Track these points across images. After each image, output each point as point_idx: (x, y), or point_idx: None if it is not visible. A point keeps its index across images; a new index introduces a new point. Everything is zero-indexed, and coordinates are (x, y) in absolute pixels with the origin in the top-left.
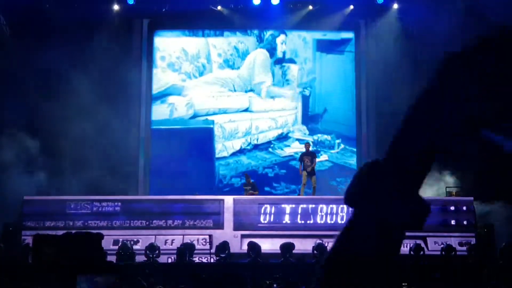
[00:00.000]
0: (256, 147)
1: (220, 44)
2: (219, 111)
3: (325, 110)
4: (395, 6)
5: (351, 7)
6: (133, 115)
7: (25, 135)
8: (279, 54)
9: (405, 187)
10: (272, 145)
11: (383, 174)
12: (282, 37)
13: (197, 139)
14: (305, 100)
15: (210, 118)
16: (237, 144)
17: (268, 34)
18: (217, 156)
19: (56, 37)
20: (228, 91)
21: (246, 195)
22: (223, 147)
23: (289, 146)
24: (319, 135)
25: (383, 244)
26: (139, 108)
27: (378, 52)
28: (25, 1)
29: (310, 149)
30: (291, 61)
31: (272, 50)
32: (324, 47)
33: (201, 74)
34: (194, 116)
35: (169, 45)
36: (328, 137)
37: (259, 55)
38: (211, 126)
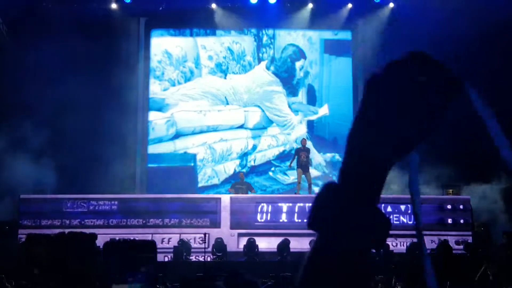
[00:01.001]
0: (253, 169)
1: (211, 45)
2: (208, 128)
3: (335, 139)
4: (391, 4)
5: (349, 5)
6: (130, 116)
7: (22, 134)
8: (294, 81)
9: (361, 206)
10: (273, 168)
11: (337, 195)
12: (301, 61)
13: (176, 177)
14: (311, 124)
15: (196, 138)
16: (230, 168)
17: (286, 53)
18: (205, 184)
19: (53, 35)
20: (220, 105)
21: (237, 193)
22: (212, 173)
23: (294, 169)
24: (329, 154)
25: (350, 269)
26: (135, 111)
27: (375, 52)
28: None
29: (307, 145)
30: (302, 83)
31: (288, 79)
32: (333, 48)
33: (187, 81)
34: (177, 135)
35: (151, 47)
36: (340, 158)
37: (280, 97)
38: (191, 164)
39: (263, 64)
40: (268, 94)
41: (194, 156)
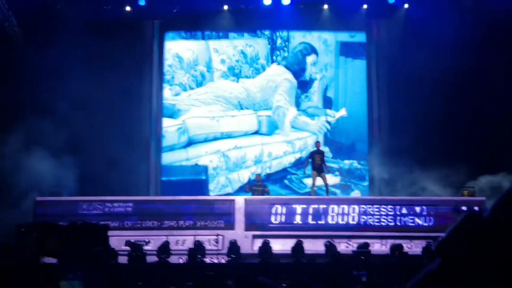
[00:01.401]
0: (269, 177)
1: (223, 48)
2: (221, 135)
3: (353, 143)
4: (406, 5)
5: (365, 6)
6: (144, 120)
7: (36, 135)
8: (306, 76)
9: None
10: (289, 176)
11: (485, 230)
12: (313, 57)
13: (188, 190)
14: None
15: (209, 145)
16: (244, 176)
17: (297, 49)
18: (218, 194)
19: (67, 38)
20: (233, 109)
21: (254, 195)
22: (226, 181)
23: (310, 176)
24: (347, 161)
25: None
26: (149, 115)
27: (390, 52)
28: (36, 2)
29: (321, 147)
30: (315, 81)
31: (299, 72)
32: (349, 51)
33: (199, 85)
34: (189, 143)
35: (165, 50)
36: (358, 165)
37: (284, 83)
38: (203, 177)
39: (275, 64)
40: (279, 84)
41: (205, 169)
